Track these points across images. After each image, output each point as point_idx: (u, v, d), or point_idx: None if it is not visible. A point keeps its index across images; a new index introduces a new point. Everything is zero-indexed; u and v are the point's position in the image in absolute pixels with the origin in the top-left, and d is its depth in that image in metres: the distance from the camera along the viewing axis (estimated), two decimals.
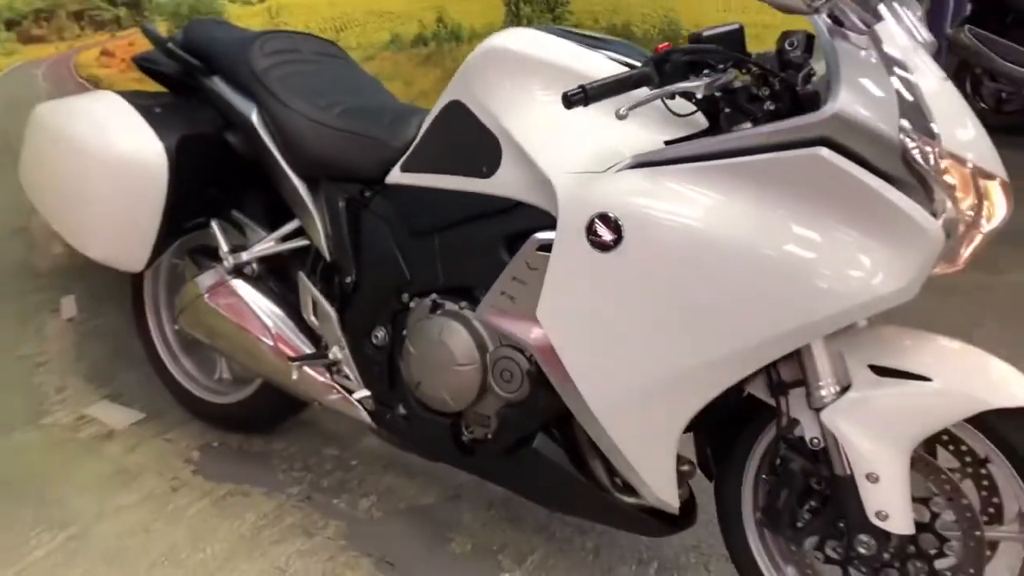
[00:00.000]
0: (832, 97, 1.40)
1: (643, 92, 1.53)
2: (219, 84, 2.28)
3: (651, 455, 1.70)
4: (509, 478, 1.99)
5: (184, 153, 2.19)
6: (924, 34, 1.57)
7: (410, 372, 2.01)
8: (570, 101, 1.51)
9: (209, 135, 2.26)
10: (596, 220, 1.59)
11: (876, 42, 1.46)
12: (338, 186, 2.14)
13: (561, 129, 1.71)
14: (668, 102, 1.60)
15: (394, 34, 3.89)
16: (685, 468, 1.88)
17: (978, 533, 1.56)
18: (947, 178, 1.42)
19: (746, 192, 1.49)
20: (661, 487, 1.73)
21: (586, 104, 1.51)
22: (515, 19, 4.79)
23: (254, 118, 2.19)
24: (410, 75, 4.02)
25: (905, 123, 1.39)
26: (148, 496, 2.41)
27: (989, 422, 1.51)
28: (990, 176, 1.47)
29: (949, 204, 1.43)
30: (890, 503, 1.54)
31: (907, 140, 1.39)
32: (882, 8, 1.52)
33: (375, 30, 3.66)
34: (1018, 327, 3.12)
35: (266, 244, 2.30)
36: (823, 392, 1.57)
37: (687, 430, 1.81)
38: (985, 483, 1.61)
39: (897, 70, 1.44)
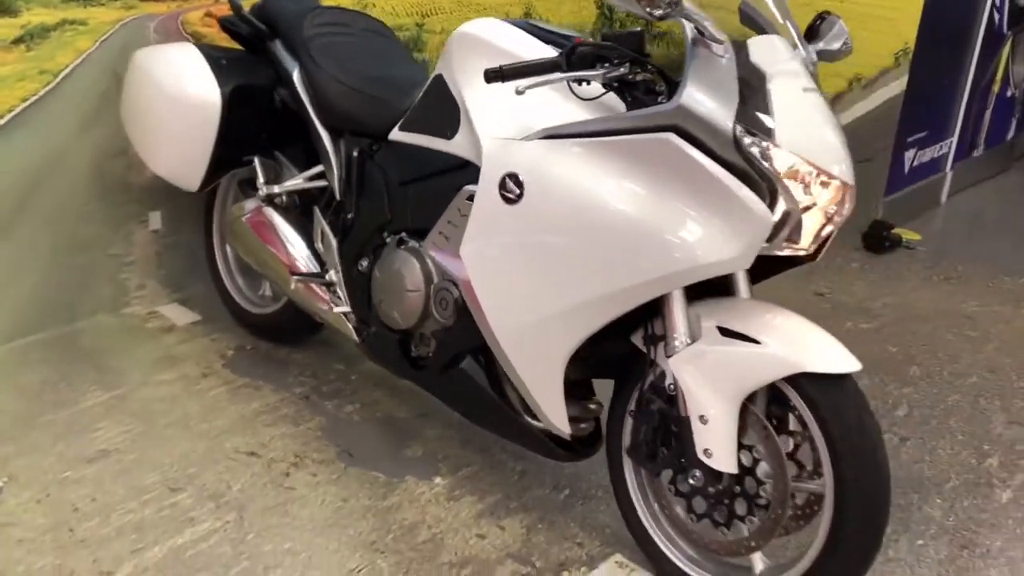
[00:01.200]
0: (679, 92, 1.69)
1: (555, 76, 1.85)
2: (277, 46, 2.74)
3: (542, 382, 2.01)
4: (443, 393, 2.35)
5: (236, 98, 2.66)
6: (802, 52, 1.83)
7: (375, 293, 2.40)
8: (489, 77, 1.85)
9: (262, 87, 2.73)
10: (507, 178, 1.93)
11: (741, 52, 1.73)
12: (354, 139, 2.54)
13: (501, 103, 2.04)
14: (578, 87, 1.91)
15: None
16: (594, 406, 2.19)
17: (783, 482, 1.80)
18: (778, 170, 1.68)
19: (616, 165, 1.79)
20: (552, 412, 2.04)
21: (503, 81, 1.84)
22: (608, 21, 5.05)
23: (295, 76, 2.64)
24: None
25: (742, 119, 1.67)
26: (182, 377, 2.91)
27: (805, 384, 1.75)
28: (829, 175, 1.72)
29: (782, 193, 1.70)
30: (715, 443, 1.80)
31: (741, 133, 1.66)
32: (764, 27, 1.81)
33: (459, 19, 4.05)
34: None
35: (295, 181, 2.75)
36: (676, 343, 1.85)
37: (593, 376, 2.14)
38: (803, 439, 1.85)
39: (753, 77, 1.71)
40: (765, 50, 1.76)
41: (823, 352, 1.74)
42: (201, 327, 3.27)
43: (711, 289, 1.87)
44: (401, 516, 2.27)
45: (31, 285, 3.05)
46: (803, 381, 1.74)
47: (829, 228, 1.79)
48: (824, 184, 1.72)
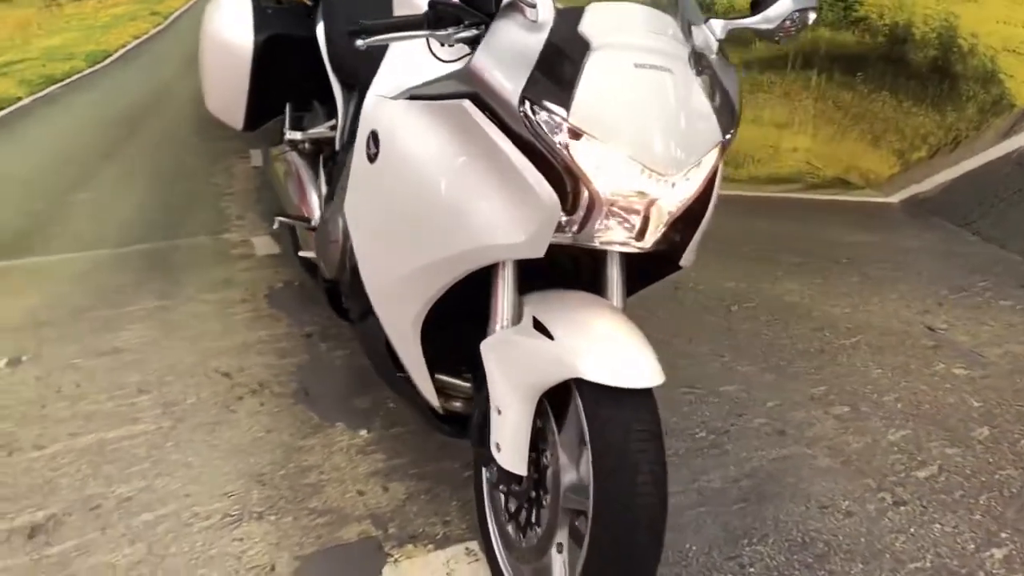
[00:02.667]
0: (471, 56, 1.49)
1: (409, 34, 1.69)
2: (319, 5, 2.81)
3: (403, 344, 1.88)
4: (359, 342, 2.29)
5: (268, 47, 2.75)
6: (675, 23, 1.54)
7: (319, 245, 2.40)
8: (351, 34, 1.74)
9: (299, 38, 2.80)
10: (370, 136, 1.84)
11: (569, 18, 1.47)
12: (358, 93, 2.54)
13: (401, 60, 1.93)
14: (439, 47, 1.72)
15: None
16: (467, 385, 2.01)
17: (557, 494, 1.54)
18: (572, 153, 1.41)
19: (437, 131, 1.62)
20: (418, 379, 1.90)
21: (364, 38, 1.71)
22: None
23: (319, 30, 2.68)
24: None
25: (538, 91, 1.41)
26: (223, 299, 3.11)
27: (586, 392, 1.47)
28: (641, 164, 1.42)
29: (580, 177, 1.44)
30: (504, 438, 1.57)
31: (530, 106, 1.42)
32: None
33: None
34: None
35: (316, 130, 2.80)
36: (494, 327, 1.64)
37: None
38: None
39: (572, 47, 1.44)
40: (605, 18, 1.47)
41: (611, 361, 1.43)
42: (272, 259, 3.46)
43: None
44: (305, 458, 2.26)
45: (138, 203, 3.44)
46: (586, 388, 1.46)
47: (657, 223, 1.50)
48: (644, 172, 1.44)
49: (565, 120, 1.39)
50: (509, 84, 1.43)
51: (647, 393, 1.44)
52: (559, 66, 1.42)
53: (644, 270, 1.77)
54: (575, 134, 1.40)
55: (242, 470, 2.20)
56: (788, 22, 1.64)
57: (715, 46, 1.58)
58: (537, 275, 1.64)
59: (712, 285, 3.32)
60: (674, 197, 1.47)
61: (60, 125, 3.36)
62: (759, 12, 1.63)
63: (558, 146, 1.41)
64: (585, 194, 1.45)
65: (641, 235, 1.51)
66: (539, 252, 1.48)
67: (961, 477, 2.22)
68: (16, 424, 2.37)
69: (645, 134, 1.42)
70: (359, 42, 1.64)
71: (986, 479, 2.21)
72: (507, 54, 1.45)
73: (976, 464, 2.27)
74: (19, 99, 3.32)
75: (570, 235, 1.50)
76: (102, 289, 3.14)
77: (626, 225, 1.49)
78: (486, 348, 1.61)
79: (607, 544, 1.41)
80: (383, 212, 1.82)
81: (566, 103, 1.40)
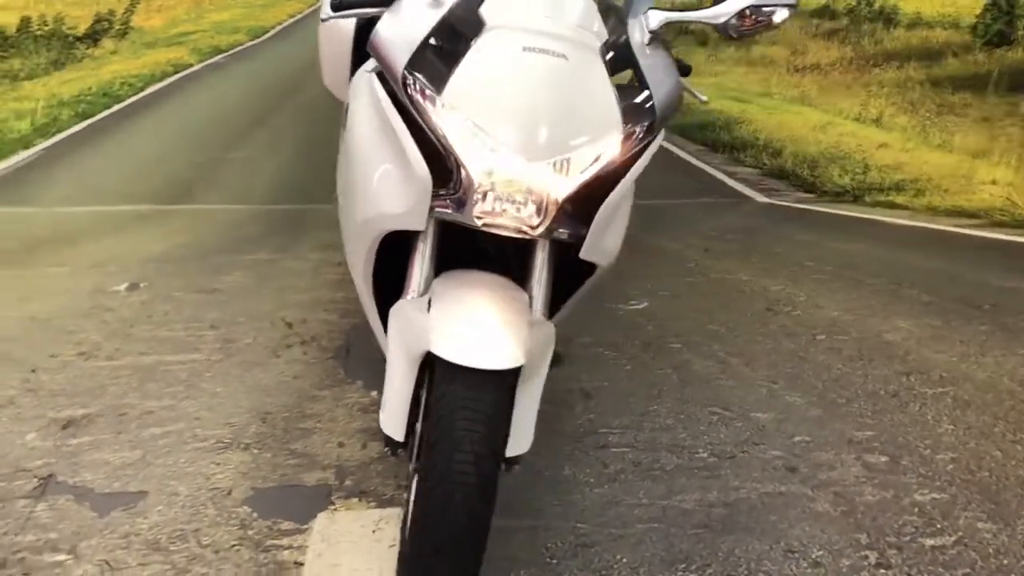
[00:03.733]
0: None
1: (374, 10, 1.73)
2: None
3: (361, 294, 1.95)
4: None
5: (367, 26, 2.91)
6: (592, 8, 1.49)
7: None
8: (333, 6, 1.81)
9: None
10: (344, 108, 1.93)
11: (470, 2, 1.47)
12: None
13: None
14: None
15: None
16: None
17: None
18: (440, 127, 1.41)
19: (365, 103, 1.66)
20: (375, 330, 1.96)
21: (336, 11, 1.79)
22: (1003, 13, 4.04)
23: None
24: (802, 44, 3.89)
25: (423, 66, 1.42)
26: (326, 260, 3.36)
27: (437, 367, 1.44)
28: (511, 148, 1.38)
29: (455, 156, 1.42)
30: (386, 402, 1.59)
31: (411, 81, 1.42)
32: None
33: None
34: None
35: None
36: (405, 297, 1.65)
37: None
38: None
39: (468, 26, 1.44)
40: (509, 2, 1.47)
41: (463, 341, 1.40)
42: None
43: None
44: (312, 406, 2.39)
45: (281, 165, 3.79)
46: (440, 363, 1.43)
47: (543, 210, 1.44)
48: (514, 155, 1.39)
49: (438, 97, 1.39)
50: (397, 59, 1.45)
51: (499, 376, 1.40)
52: (446, 45, 1.43)
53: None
54: (449, 112, 1.39)
55: (254, 406, 2.37)
56: (744, 19, 1.52)
57: (646, 37, 1.50)
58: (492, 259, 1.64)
59: (811, 311, 3.06)
60: (554, 184, 1.41)
61: (222, 89, 3.79)
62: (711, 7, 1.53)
63: (433, 123, 1.41)
64: (463, 173, 1.44)
65: (531, 221, 1.47)
66: (419, 225, 1.49)
67: (977, 555, 1.89)
68: (104, 336, 2.72)
69: (516, 117, 1.39)
70: (322, 16, 1.73)
71: (1008, 563, 1.88)
72: (403, 29, 1.47)
73: (1005, 546, 1.93)
74: (191, 65, 3.78)
75: (451, 213, 1.49)
76: (231, 238, 3.50)
77: (513, 209, 1.45)
78: (391, 315, 1.64)
79: (424, 513, 1.39)
80: (341, 179, 1.91)
81: (442, 81, 1.40)
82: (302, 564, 1.78)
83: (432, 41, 1.43)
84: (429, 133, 1.43)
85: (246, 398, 2.41)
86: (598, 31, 1.47)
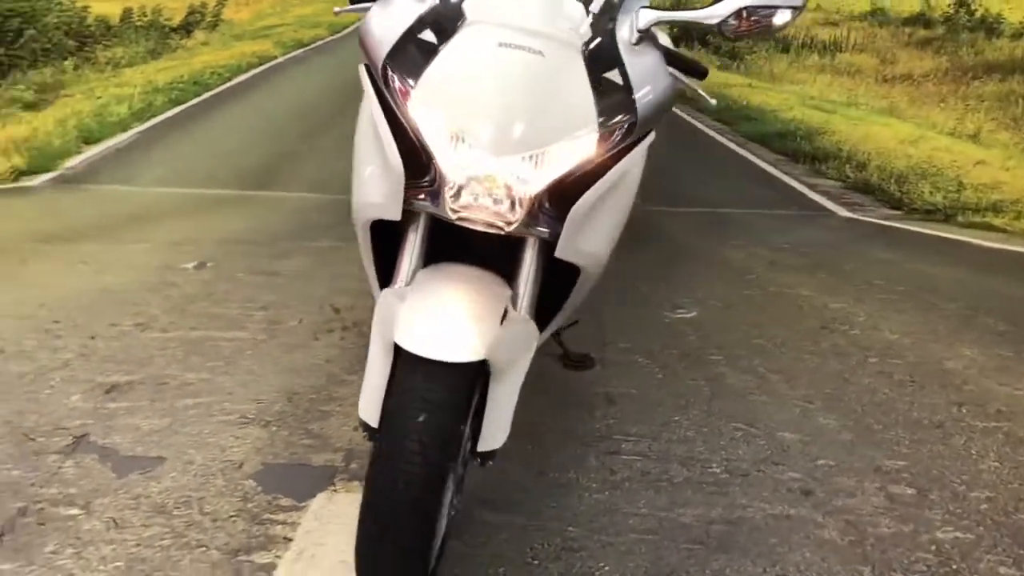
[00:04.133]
0: None
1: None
2: None
3: (369, 281, 1.98)
4: None
5: None
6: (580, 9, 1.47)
7: None
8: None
9: None
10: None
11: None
12: None
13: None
14: None
15: (879, 5, 3.61)
16: None
17: None
18: (413, 120, 1.42)
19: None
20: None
21: (353, 2, 1.81)
22: None
23: None
24: (892, 53, 3.70)
25: (396, 59, 1.44)
26: None
27: (402, 354, 1.45)
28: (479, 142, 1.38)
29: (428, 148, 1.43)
30: (364, 388, 1.61)
31: (389, 72, 1.44)
32: None
33: None
34: None
35: None
36: (393, 286, 1.67)
37: None
38: None
39: (450, 21, 1.45)
40: (484, 7, 1.46)
41: (424, 331, 1.40)
42: None
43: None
44: (338, 389, 2.44)
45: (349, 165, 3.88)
46: (403, 351, 1.45)
47: (513, 205, 1.43)
48: (482, 149, 1.39)
49: (413, 90, 1.41)
50: (380, 51, 1.47)
51: (457, 369, 1.40)
52: (427, 38, 1.44)
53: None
54: (421, 106, 1.40)
55: (284, 386, 2.45)
56: (741, 21, 1.47)
57: (634, 37, 1.47)
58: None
59: (869, 332, 2.91)
60: (526, 179, 1.40)
61: (303, 81, 3.92)
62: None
63: (408, 115, 1.42)
64: (435, 166, 1.44)
65: (506, 216, 1.46)
66: (395, 215, 1.50)
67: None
68: (163, 310, 2.87)
69: (488, 112, 1.38)
70: (335, 9, 1.78)
71: None
72: (389, 23, 1.48)
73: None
74: (275, 57, 3.92)
75: (428, 205, 1.50)
76: (301, 225, 3.63)
77: (488, 204, 1.45)
78: (381, 298, 1.66)
79: (371, 496, 1.41)
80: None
81: (418, 75, 1.41)
82: (291, 540, 1.83)
83: (414, 35, 1.44)
84: (406, 125, 1.45)
85: (278, 377, 2.49)
86: (582, 29, 1.45)
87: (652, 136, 1.60)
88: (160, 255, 3.39)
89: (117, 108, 7.00)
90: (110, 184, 4.76)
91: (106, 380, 2.44)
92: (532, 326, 1.62)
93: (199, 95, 8.28)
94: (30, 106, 5.56)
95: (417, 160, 1.46)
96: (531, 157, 1.39)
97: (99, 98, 7.10)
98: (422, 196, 1.50)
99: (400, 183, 1.46)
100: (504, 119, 1.38)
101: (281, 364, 2.56)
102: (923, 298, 3.21)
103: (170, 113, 7.67)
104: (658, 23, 1.49)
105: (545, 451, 2.20)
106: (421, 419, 1.37)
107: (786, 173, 3.98)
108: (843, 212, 4.03)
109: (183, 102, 7.99)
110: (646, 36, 1.49)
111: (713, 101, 1.78)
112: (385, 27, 1.49)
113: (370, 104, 1.52)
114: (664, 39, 1.69)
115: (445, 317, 1.43)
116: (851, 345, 2.83)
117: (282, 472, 2.08)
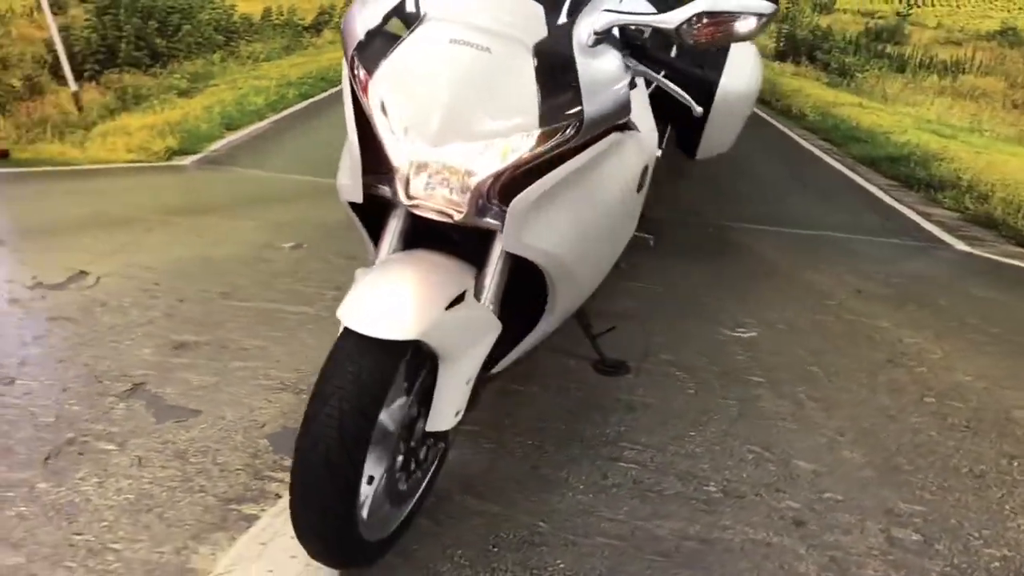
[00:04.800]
0: None
1: None
2: None
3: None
4: None
5: None
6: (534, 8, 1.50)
7: None
8: None
9: None
10: None
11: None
12: None
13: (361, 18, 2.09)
14: None
15: (1011, 25, 3.34)
16: None
17: None
18: (373, 113, 1.51)
19: None
20: None
21: None
22: None
23: None
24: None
25: (362, 53, 1.54)
26: None
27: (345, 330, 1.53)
28: (417, 133, 1.46)
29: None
30: None
31: (355, 62, 1.55)
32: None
33: (979, 14, 3.30)
34: None
35: None
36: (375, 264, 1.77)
37: None
38: None
39: (412, 16, 1.54)
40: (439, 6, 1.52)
41: (363, 308, 1.48)
42: None
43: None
44: None
45: None
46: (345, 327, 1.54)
47: (457, 195, 1.49)
48: (421, 140, 1.47)
49: (370, 81, 1.50)
50: (351, 42, 1.57)
51: (387, 345, 1.47)
52: (388, 33, 1.53)
53: None
54: (375, 96, 1.50)
55: (315, 357, 2.61)
56: (702, 27, 1.46)
57: (591, 39, 1.49)
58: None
59: (938, 371, 2.71)
60: (470, 171, 1.46)
61: None
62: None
63: (366, 104, 1.52)
64: (386, 154, 1.53)
65: (455, 207, 1.52)
66: (357, 198, 1.61)
67: None
68: (250, 282, 3.12)
69: (429, 104, 1.45)
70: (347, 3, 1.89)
71: None
72: (366, 14, 1.58)
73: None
74: None
75: (388, 192, 1.58)
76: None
77: (442, 193, 1.51)
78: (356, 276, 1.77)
79: (296, 456, 1.50)
80: None
81: (374, 67, 1.50)
82: (280, 496, 1.97)
83: (379, 30, 1.53)
84: (368, 114, 1.54)
85: (324, 351, 2.65)
86: (536, 29, 1.48)
87: (613, 138, 1.60)
88: (264, 234, 3.66)
89: (255, 99, 7.62)
90: (244, 168, 5.19)
91: (178, 338, 2.69)
92: (490, 317, 1.67)
93: (325, 90, 8.80)
94: (183, 93, 6.16)
95: (378, 147, 1.54)
96: (473, 150, 1.44)
97: (240, 89, 7.77)
98: (382, 183, 1.59)
99: (358, 168, 1.55)
100: (445, 111, 1.44)
101: (332, 339, 2.71)
102: (1017, 342, 2.93)
103: (300, 106, 8.25)
104: (618, 25, 1.49)
105: (546, 448, 2.23)
106: (343, 388, 1.45)
107: (898, 200, 3.72)
108: (959, 245, 3.71)
109: (311, 96, 8.54)
110: (605, 38, 1.50)
111: (699, 109, 1.75)
112: (361, 19, 1.58)
113: (345, 95, 1.62)
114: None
115: (386, 296, 1.51)
116: (912, 382, 2.64)
117: (292, 436, 2.23)
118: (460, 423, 1.66)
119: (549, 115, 1.44)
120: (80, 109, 4.63)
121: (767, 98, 3.86)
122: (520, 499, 2.01)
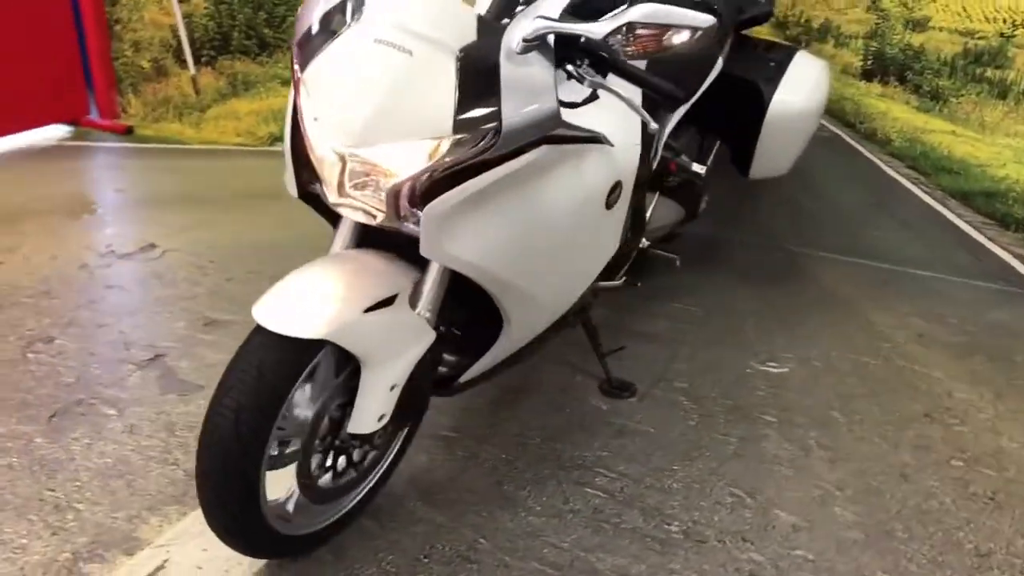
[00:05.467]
0: None
1: None
2: None
3: None
4: None
5: None
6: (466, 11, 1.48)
7: None
8: None
9: None
10: None
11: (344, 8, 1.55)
12: None
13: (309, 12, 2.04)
14: None
15: None
16: None
17: None
18: (299, 108, 1.52)
19: None
20: None
21: None
22: None
23: None
24: None
25: (301, 50, 1.55)
26: None
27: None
28: (330, 132, 1.48)
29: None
30: None
31: (294, 59, 1.57)
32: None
33: None
34: None
35: None
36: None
37: None
38: None
39: (345, 14, 1.53)
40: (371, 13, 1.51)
41: (274, 305, 1.52)
42: None
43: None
44: None
45: None
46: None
47: (375, 198, 1.48)
48: (333, 140, 1.48)
49: (301, 76, 1.51)
50: (294, 39, 1.59)
51: (292, 343, 1.48)
52: (327, 29, 1.53)
53: None
54: (303, 92, 1.51)
55: None
56: (631, 38, 1.39)
57: (519, 46, 1.43)
58: None
59: (979, 432, 2.45)
60: (389, 172, 1.45)
61: None
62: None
63: (296, 100, 1.54)
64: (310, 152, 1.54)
65: (376, 209, 1.52)
66: (292, 192, 1.64)
67: None
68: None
69: (341, 102, 1.46)
70: None
71: None
72: (311, 12, 1.59)
73: None
74: None
75: (318, 190, 1.59)
76: None
77: (370, 194, 1.51)
78: None
79: (200, 441, 1.53)
80: None
81: (306, 63, 1.51)
82: None
83: (321, 26, 1.54)
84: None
85: None
86: (466, 34, 1.45)
87: (542, 151, 1.53)
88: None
89: None
90: None
91: (212, 315, 2.82)
92: (421, 325, 1.65)
93: None
94: (286, 82, 6.38)
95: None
96: (388, 152, 1.42)
97: None
98: (314, 180, 1.59)
99: (289, 162, 1.57)
100: (361, 111, 1.44)
101: None
102: None
103: None
104: (548, 33, 1.43)
105: (518, 464, 2.18)
106: (243, 382, 1.48)
107: (992, 240, 3.35)
108: None
109: None
110: (537, 47, 1.44)
111: (654, 125, 1.66)
112: (306, 16, 1.60)
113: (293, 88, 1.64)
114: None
115: (300, 294, 1.53)
116: (944, 441, 2.40)
117: None
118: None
119: (465, 122, 1.41)
120: (197, 92, 4.93)
121: (850, 119, 3.59)
122: (471, 513, 1.98)
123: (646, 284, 3.12)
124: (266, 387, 1.48)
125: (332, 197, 1.53)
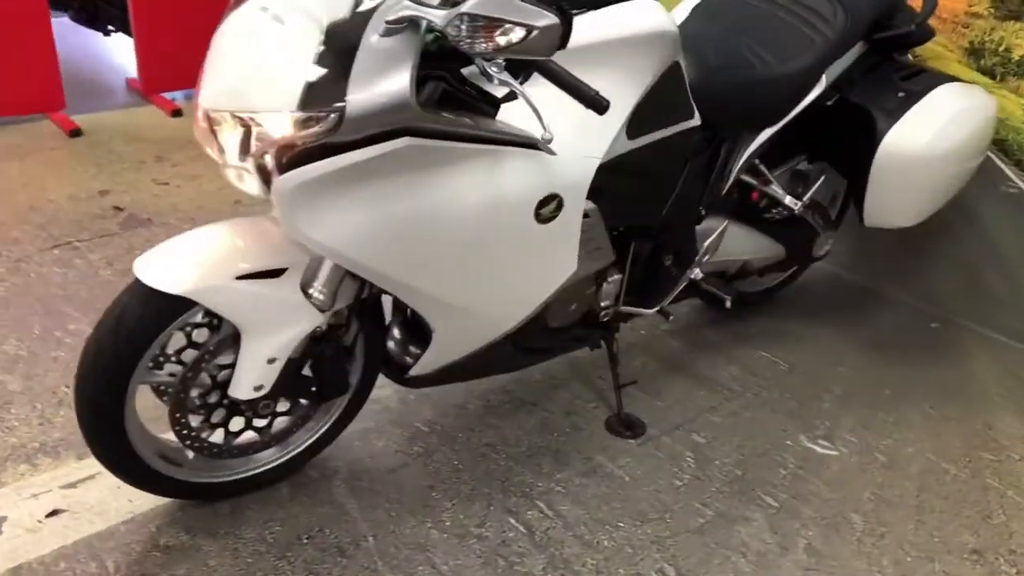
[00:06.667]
0: None
1: None
2: None
3: None
4: None
5: None
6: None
7: None
8: None
9: None
10: None
11: None
12: None
13: None
14: None
15: None
16: None
17: None
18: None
19: None
20: None
21: None
22: None
23: None
24: None
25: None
26: None
27: None
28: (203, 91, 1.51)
29: None
30: None
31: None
32: None
33: None
34: None
35: None
36: None
37: None
38: None
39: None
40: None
41: (153, 261, 1.61)
42: None
43: None
44: None
45: None
46: None
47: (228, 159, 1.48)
48: (205, 98, 1.51)
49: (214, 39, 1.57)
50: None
51: (156, 296, 1.57)
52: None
53: None
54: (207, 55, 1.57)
55: None
56: (468, 30, 1.30)
57: (382, 28, 1.38)
58: None
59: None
60: (240, 137, 1.46)
61: None
62: None
63: None
64: None
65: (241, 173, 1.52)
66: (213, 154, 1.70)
67: None
68: None
69: (211, 63, 1.51)
70: None
71: None
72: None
73: None
74: None
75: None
76: None
77: (226, 157, 1.51)
78: None
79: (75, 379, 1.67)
80: None
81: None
82: None
83: None
84: None
85: None
86: (340, 9, 1.42)
87: (404, 143, 1.42)
88: None
89: None
90: None
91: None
92: (303, 304, 1.68)
93: None
94: None
95: None
96: (243, 120, 1.44)
97: None
98: None
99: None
100: (222, 75, 1.48)
101: None
102: None
103: None
104: (410, 18, 1.35)
105: (463, 475, 2.13)
106: (106, 324, 1.60)
107: None
108: None
109: None
110: (402, 29, 1.37)
111: (549, 135, 1.49)
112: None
113: None
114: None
115: (182, 251, 1.62)
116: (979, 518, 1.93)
117: None
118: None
119: (312, 99, 1.38)
120: None
121: None
122: (380, 508, 1.98)
123: (743, 323, 2.85)
124: (126, 331, 1.59)
125: (209, 150, 1.55)
